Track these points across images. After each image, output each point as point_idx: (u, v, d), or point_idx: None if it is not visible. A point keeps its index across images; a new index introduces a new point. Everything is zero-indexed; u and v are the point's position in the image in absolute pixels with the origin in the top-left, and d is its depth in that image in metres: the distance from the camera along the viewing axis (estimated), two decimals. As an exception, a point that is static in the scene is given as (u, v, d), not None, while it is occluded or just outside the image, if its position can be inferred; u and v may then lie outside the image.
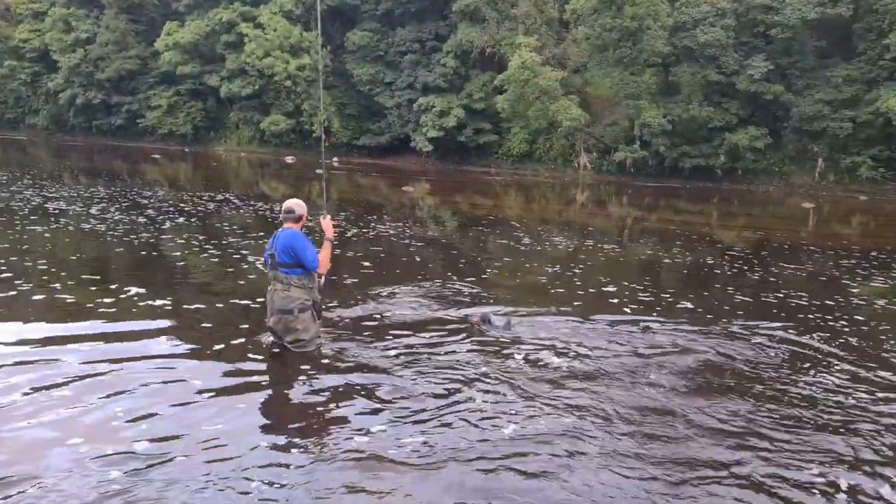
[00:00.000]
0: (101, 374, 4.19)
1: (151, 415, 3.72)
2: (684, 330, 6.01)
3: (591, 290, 7.66)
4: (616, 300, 7.20)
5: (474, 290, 6.99)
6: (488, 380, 4.57)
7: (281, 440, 3.59)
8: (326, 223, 4.91)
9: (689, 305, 7.16)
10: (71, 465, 3.15)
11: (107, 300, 5.49)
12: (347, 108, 36.81)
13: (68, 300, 5.50)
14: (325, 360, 4.71)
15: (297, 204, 4.72)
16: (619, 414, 4.13)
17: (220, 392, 4.10)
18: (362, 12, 35.69)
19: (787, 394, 4.64)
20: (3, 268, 6.58)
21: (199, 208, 13.05)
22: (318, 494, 3.04)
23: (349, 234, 10.88)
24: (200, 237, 9.80)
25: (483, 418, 4.00)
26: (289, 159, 32.79)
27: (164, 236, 9.63)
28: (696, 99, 28.72)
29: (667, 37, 28.35)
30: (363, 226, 12.16)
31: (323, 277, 4.84)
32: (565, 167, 32.23)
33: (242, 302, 5.95)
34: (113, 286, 5.96)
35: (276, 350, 4.70)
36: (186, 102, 38.96)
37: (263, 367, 4.55)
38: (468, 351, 5.11)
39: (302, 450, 3.50)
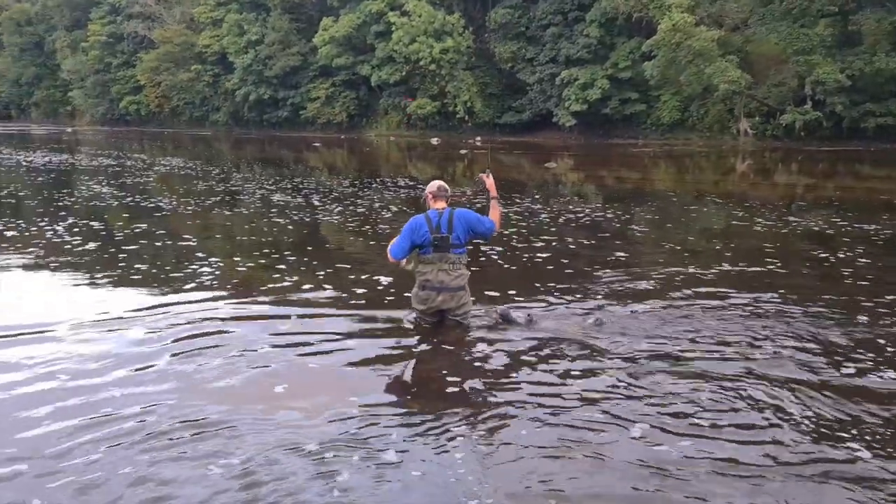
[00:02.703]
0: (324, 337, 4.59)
1: (372, 380, 3.90)
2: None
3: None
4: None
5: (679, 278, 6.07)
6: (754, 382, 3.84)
7: (495, 413, 3.44)
8: (490, 182, 4.85)
9: None
10: (290, 417, 3.39)
11: (360, 290, 5.77)
12: (489, 88, 37.07)
13: (329, 293, 5.78)
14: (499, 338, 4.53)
15: (441, 183, 4.78)
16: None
17: (417, 362, 4.21)
18: (503, -11, 35.60)
19: None
20: (263, 259, 7.14)
21: (399, 195, 13.21)
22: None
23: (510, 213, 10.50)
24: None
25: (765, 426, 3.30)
26: (434, 141, 33.85)
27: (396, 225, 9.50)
28: (881, 49, 25.04)
29: (846, -19, 25.02)
30: (516, 205, 11.49)
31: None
32: (722, 134, 29.85)
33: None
34: (364, 276, 6.23)
35: (427, 326, 4.75)
36: (342, 93, 41.63)
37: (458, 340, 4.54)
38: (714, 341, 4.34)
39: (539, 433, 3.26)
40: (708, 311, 5.18)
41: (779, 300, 5.45)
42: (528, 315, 4.78)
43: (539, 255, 7.42)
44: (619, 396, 3.63)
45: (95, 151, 26.72)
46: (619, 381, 3.82)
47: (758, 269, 6.72)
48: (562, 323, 4.83)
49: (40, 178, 16.23)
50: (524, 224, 9.61)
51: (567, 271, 6.66)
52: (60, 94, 62.60)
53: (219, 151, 30.07)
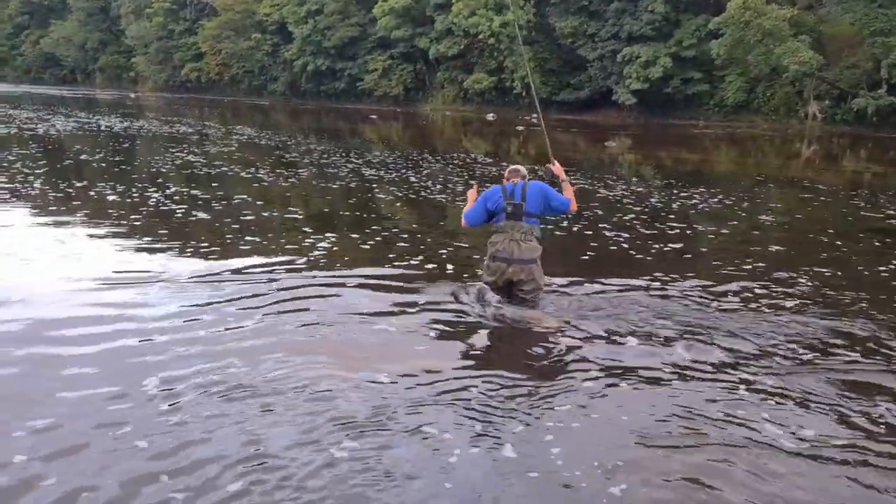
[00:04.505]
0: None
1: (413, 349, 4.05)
2: None
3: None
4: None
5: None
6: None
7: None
8: (557, 167, 4.89)
9: None
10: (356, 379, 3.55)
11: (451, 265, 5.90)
12: (548, 64, 36.71)
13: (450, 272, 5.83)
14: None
15: (520, 166, 4.96)
16: None
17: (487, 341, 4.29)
18: (567, -38, 35.00)
19: None
20: (378, 237, 7.12)
21: (490, 172, 13.09)
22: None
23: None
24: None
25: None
26: (490, 117, 33.84)
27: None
28: (969, 31, 23.88)
29: (933, -42, 23.79)
30: (616, 189, 11.21)
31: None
32: (788, 118, 29.01)
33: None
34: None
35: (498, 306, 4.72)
36: (399, 65, 41.85)
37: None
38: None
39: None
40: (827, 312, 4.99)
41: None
42: (499, 298, 4.70)
43: (672, 244, 7.26)
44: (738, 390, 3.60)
45: (167, 118, 27.62)
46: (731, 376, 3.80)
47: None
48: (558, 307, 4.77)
49: (125, 144, 16.97)
50: (638, 209, 9.45)
51: (715, 262, 6.48)
52: (124, 59, 64.56)
53: (281, 121, 30.66)
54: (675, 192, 11.21)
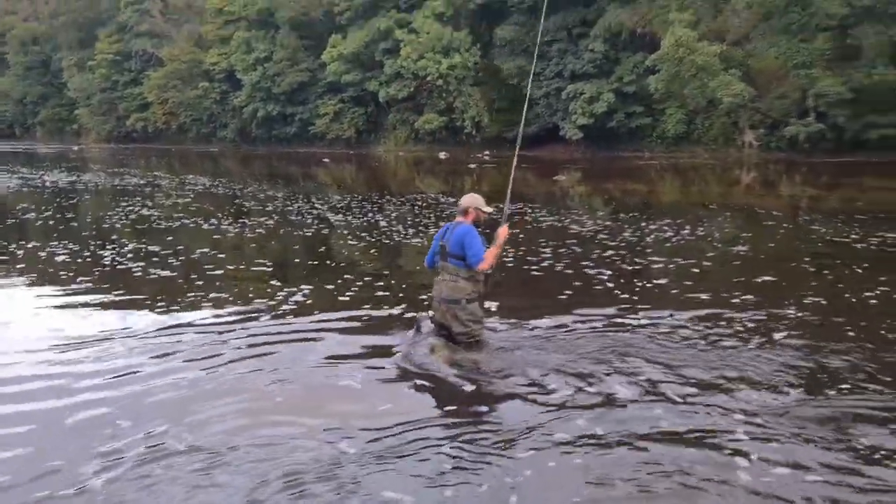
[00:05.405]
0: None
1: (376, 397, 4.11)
2: None
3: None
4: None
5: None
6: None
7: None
8: (502, 231, 4.75)
9: None
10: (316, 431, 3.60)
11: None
12: (497, 103, 37.68)
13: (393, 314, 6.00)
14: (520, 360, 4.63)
15: (465, 198, 4.83)
16: None
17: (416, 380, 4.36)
18: (509, 7, 36.26)
19: None
20: (356, 288, 7.03)
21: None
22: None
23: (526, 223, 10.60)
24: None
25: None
26: (441, 155, 34.44)
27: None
28: (881, 62, 25.75)
29: (844, -4, 25.73)
30: (590, 226, 11.35)
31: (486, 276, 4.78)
32: (727, 147, 30.47)
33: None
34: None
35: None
36: (350, 109, 42.23)
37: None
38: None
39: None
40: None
41: None
42: (433, 329, 4.83)
43: (656, 279, 7.29)
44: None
45: (115, 170, 27.10)
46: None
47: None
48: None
49: (74, 199, 16.56)
50: (615, 243, 9.46)
51: (703, 296, 6.48)
52: (66, 112, 63.05)
53: (232, 168, 30.44)
54: (644, 224, 11.33)
